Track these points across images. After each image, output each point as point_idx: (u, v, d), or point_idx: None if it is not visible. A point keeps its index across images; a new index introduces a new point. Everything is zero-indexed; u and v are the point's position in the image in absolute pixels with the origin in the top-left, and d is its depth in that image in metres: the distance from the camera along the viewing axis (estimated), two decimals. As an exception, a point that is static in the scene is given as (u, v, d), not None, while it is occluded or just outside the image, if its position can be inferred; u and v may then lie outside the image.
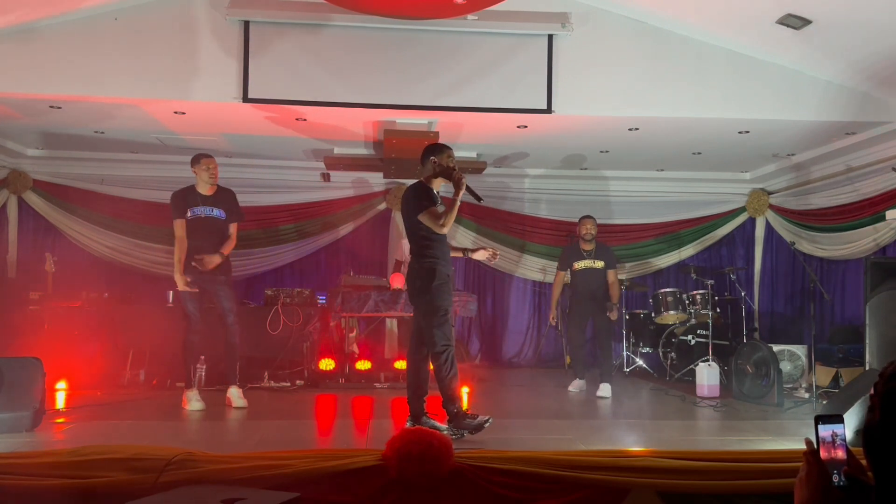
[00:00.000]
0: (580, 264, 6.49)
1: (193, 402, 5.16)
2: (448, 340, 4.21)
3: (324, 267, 8.46)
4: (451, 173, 4.32)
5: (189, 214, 5.25)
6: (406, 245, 5.73)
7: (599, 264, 6.43)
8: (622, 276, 8.07)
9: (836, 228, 7.30)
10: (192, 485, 2.37)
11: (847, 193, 7.15)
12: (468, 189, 4.32)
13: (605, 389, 6.16)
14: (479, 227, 8.56)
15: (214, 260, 5.23)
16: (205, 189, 5.35)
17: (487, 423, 4.13)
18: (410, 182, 8.60)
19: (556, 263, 6.96)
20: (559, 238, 8.41)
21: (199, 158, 5.36)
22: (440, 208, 4.32)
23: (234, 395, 5.36)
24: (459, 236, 8.39)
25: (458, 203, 4.25)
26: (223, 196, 5.42)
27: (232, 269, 5.54)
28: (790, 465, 2.49)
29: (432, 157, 4.36)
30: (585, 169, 8.36)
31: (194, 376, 5.31)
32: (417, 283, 4.27)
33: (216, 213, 5.35)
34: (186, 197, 5.30)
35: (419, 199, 4.29)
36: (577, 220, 6.66)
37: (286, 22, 5.70)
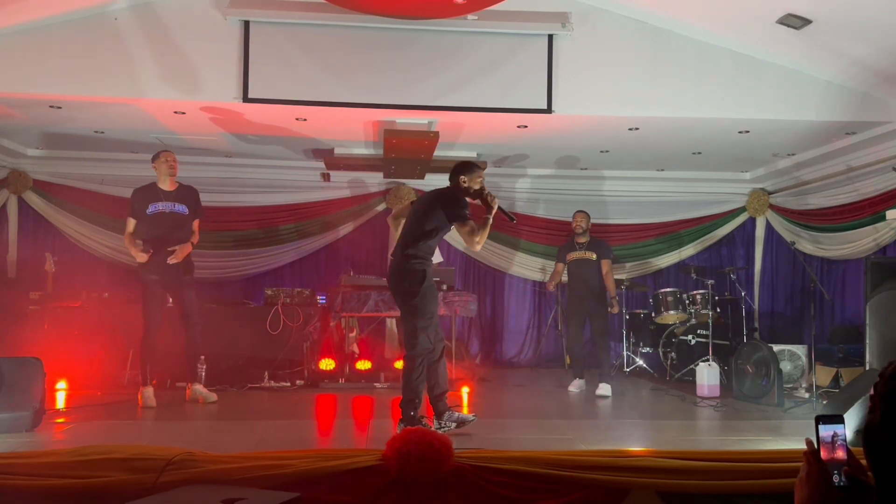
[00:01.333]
0: (573, 255, 6.57)
1: (148, 400, 5.27)
2: (429, 345, 4.21)
3: (324, 267, 8.46)
4: (482, 195, 4.35)
5: (150, 209, 5.35)
6: None
7: (592, 255, 6.48)
8: (623, 276, 8.08)
9: (836, 228, 7.29)
10: (192, 485, 2.37)
11: (847, 193, 7.14)
12: (501, 210, 4.35)
13: (604, 389, 6.17)
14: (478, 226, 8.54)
15: (185, 249, 5.36)
16: (166, 184, 5.45)
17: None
18: (411, 182, 8.56)
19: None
20: (559, 238, 8.38)
21: (159, 153, 5.49)
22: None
23: (202, 392, 5.49)
24: (457, 234, 8.37)
25: (490, 223, 4.28)
26: (186, 192, 5.53)
27: (194, 268, 5.63)
28: (790, 465, 2.49)
29: (462, 177, 4.37)
30: (585, 169, 8.36)
31: (150, 374, 5.40)
32: (405, 284, 4.25)
33: (178, 208, 5.45)
34: (146, 195, 5.40)
35: (461, 209, 4.31)
36: (578, 221, 6.69)
37: (286, 22, 5.70)
